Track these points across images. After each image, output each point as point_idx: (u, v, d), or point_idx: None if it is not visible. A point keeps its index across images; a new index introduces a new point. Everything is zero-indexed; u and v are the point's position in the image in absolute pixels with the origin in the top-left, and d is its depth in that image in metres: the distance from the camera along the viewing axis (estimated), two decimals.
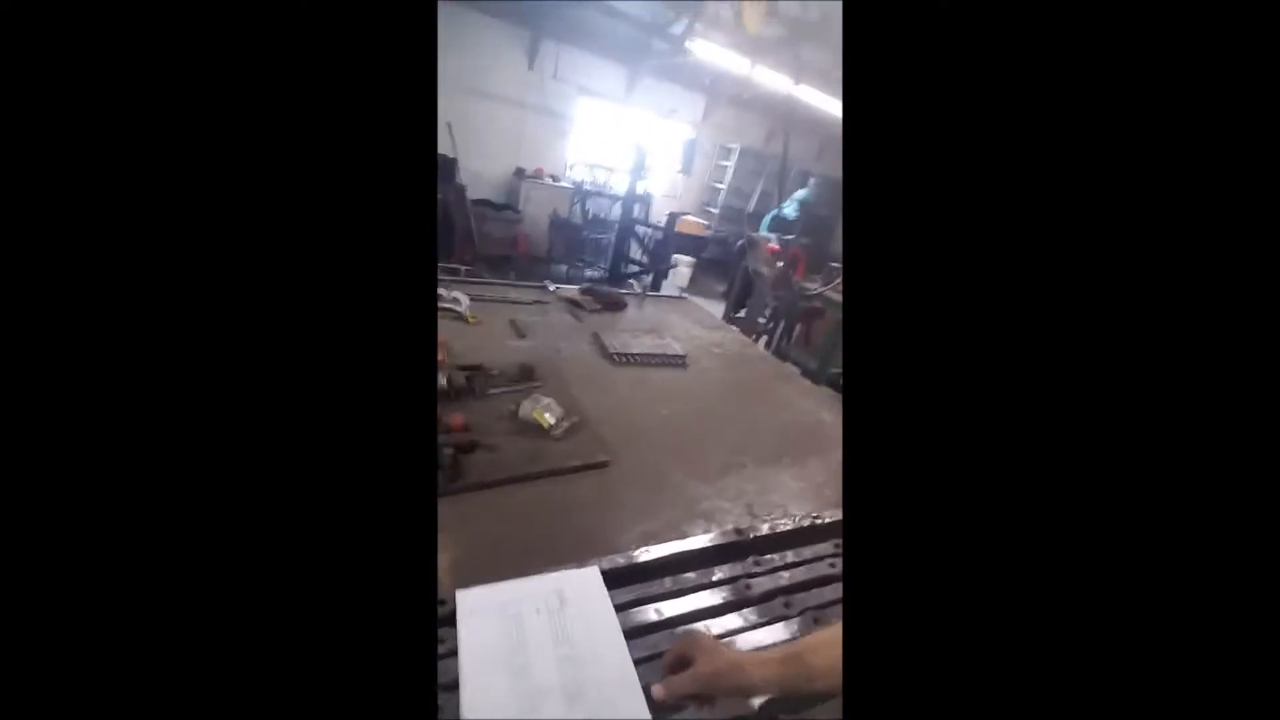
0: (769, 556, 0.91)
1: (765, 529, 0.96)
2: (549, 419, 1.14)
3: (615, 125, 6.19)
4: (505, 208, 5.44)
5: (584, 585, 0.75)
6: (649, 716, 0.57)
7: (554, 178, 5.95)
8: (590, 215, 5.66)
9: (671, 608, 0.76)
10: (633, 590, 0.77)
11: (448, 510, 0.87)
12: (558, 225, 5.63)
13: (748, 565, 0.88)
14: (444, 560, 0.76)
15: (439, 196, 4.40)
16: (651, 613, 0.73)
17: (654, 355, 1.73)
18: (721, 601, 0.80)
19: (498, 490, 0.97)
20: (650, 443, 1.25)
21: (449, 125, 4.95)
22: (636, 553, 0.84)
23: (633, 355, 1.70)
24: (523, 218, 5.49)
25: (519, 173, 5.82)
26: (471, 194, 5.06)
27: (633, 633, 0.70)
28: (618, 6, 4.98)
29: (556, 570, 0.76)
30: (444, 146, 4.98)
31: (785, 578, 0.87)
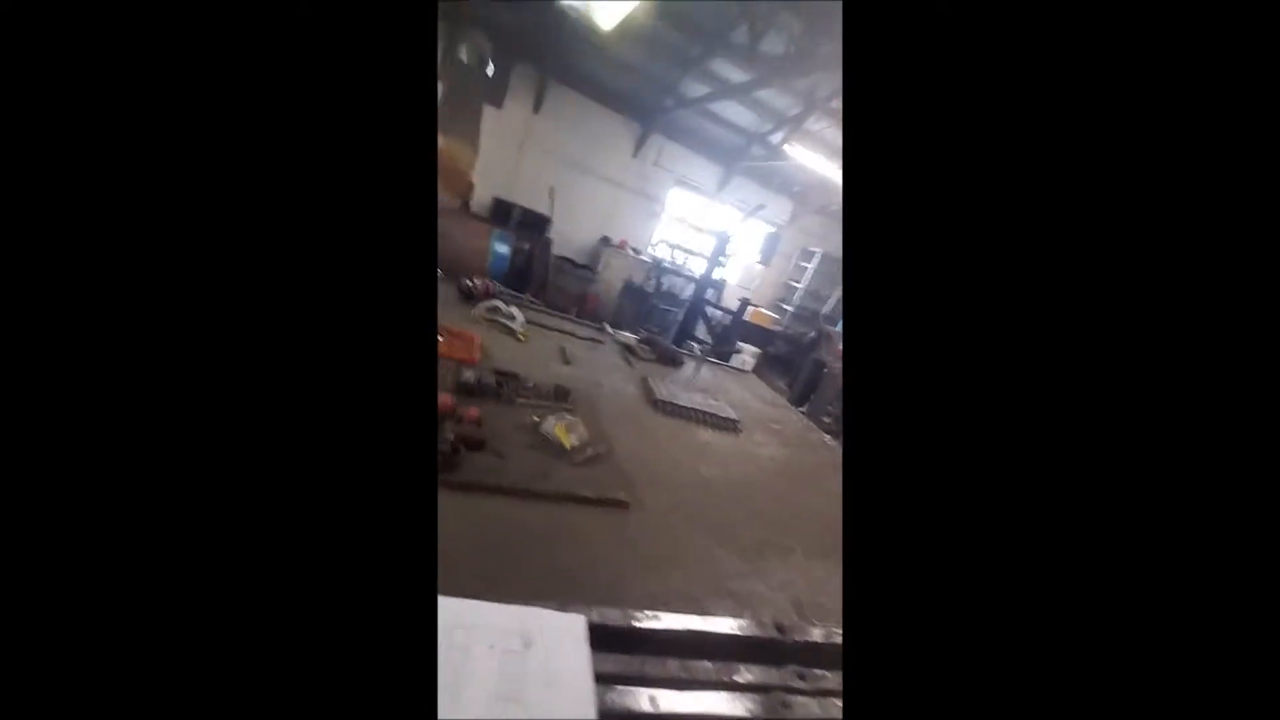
0: (818, 672, 0.66)
1: (817, 635, 0.72)
2: (572, 439, 0.99)
3: (703, 215, 6.49)
4: (584, 267, 5.69)
5: (561, 633, 0.55)
6: None
7: (635, 250, 6.22)
8: (664, 289, 5.78)
9: (673, 700, 0.53)
10: (623, 662, 0.56)
11: None
12: (630, 291, 5.76)
13: (787, 675, 0.64)
14: None
15: (525, 246, 4.70)
16: (644, 699, 0.52)
17: (703, 413, 1.55)
18: (746, 715, 0.56)
19: (492, 498, 0.81)
20: (681, 498, 1.05)
21: (551, 189, 5.40)
22: (640, 615, 0.63)
23: (680, 407, 1.53)
24: (597, 279, 5.70)
25: (604, 240, 6.14)
26: (556, 250, 5.36)
27: (610, 717, 0.48)
28: (724, 112, 5.42)
29: (532, 605, 0.57)
30: (543, 207, 5.42)
31: (838, 709, 0.62)
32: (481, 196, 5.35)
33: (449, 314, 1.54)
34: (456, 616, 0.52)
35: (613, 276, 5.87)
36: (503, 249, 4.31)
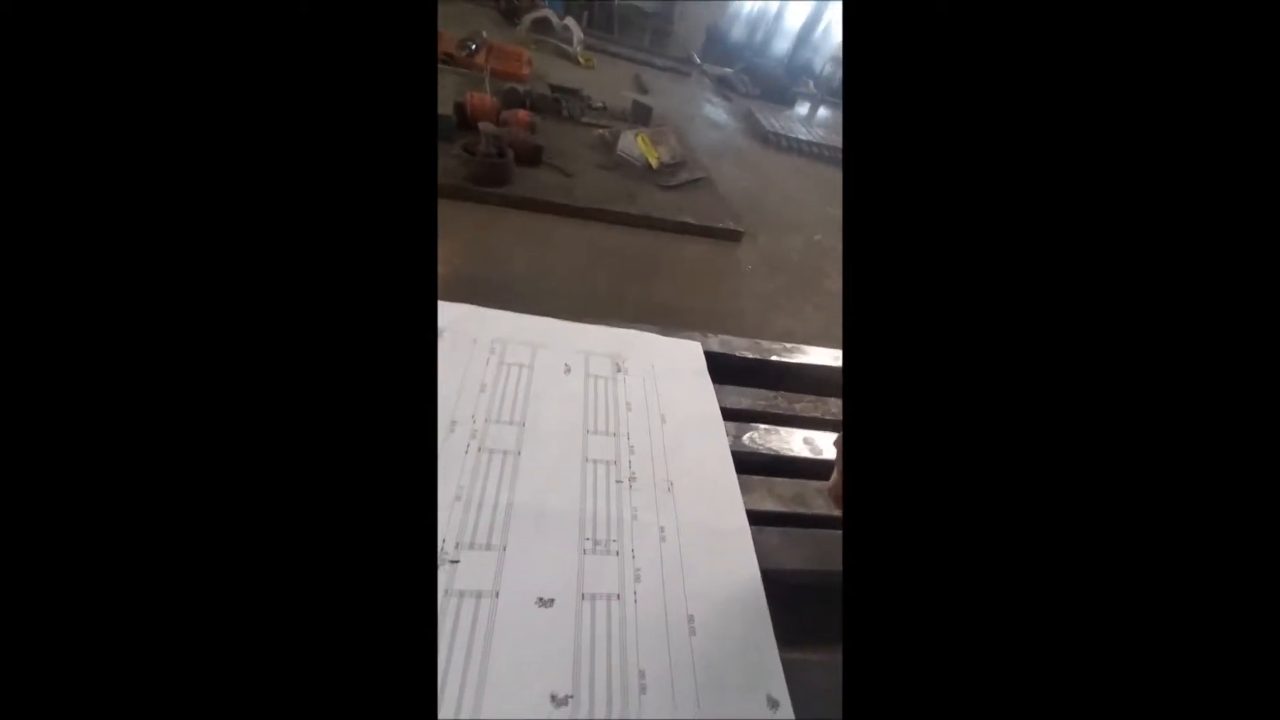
0: None
1: None
2: (660, 154, 0.73)
3: None
4: (655, 15, 4.54)
5: (669, 357, 0.39)
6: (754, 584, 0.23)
7: None
8: (759, 39, 4.54)
9: (825, 442, 0.37)
10: (748, 396, 0.39)
11: (457, 216, 0.54)
12: (714, 39, 4.58)
13: None
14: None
15: None
16: (795, 440, 0.36)
17: (830, 146, 1.18)
18: None
19: (570, 220, 0.61)
20: (806, 238, 0.80)
21: None
22: (771, 346, 0.45)
23: (798, 140, 1.17)
24: (672, 29, 4.57)
25: None
26: None
27: (752, 460, 0.34)
28: None
29: (628, 328, 0.40)
30: None
31: None
32: None
33: (489, 35, 1.18)
34: (521, 329, 0.36)
35: (691, 30, 4.67)
36: None
